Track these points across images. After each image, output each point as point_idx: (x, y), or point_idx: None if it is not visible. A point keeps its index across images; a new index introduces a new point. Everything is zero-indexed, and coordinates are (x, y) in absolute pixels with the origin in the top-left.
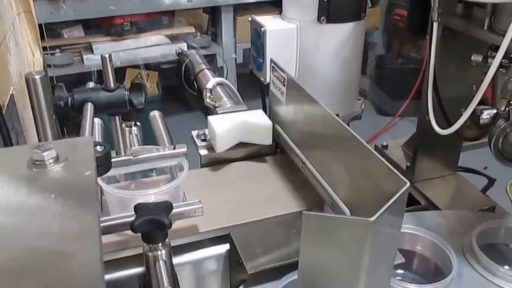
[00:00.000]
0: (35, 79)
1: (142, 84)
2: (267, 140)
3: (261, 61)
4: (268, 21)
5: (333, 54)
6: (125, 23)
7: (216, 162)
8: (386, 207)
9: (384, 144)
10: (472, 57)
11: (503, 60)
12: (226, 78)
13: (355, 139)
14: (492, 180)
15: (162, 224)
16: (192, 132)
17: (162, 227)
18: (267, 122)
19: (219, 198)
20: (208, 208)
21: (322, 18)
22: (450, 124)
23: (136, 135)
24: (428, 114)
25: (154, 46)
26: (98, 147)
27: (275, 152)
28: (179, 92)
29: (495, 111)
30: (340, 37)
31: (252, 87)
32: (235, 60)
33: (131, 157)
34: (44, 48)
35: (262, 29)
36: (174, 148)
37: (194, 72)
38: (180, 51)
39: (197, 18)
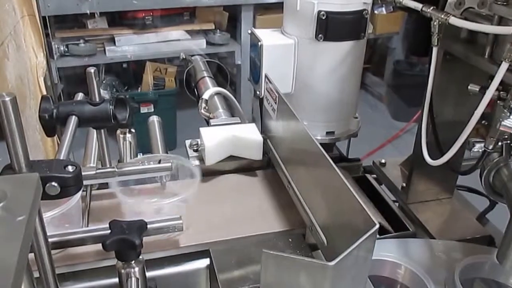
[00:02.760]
0: (5, 102)
1: (127, 99)
2: (257, 155)
3: (258, 74)
4: (266, 35)
5: (329, 72)
6: (147, 17)
7: (206, 174)
8: (350, 251)
9: (382, 161)
10: (469, 87)
11: (501, 93)
12: (240, 78)
13: (332, 169)
14: (493, 202)
15: (133, 244)
16: (186, 141)
17: (133, 247)
18: (258, 137)
19: (203, 211)
20: (191, 221)
21: (320, 35)
22: (443, 153)
23: (130, 142)
24: (421, 143)
25: (174, 41)
26: (69, 167)
27: (267, 166)
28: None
29: (463, 140)
30: (337, 55)
31: None
32: None
33: (115, 169)
34: (69, 38)
35: (259, 43)
36: (159, 163)
37: (195, 79)
38: (184, 57)
39: (217, 15)
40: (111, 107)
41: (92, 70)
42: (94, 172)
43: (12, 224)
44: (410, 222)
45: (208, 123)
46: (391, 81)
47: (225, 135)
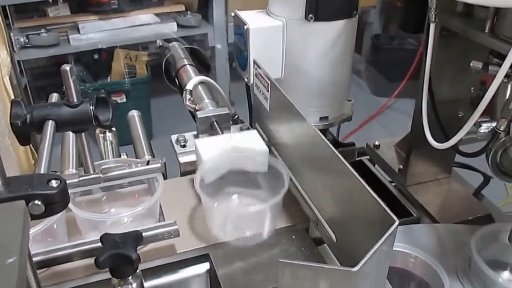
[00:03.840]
0: None
1: (109, 99)
2: (262, 167)
3: (245, 60)
4: (251, 18)
5: (322, 54)
6: (112, 1)
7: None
8: (372, 253)
9: (376, 143)
10: (471, 64)
11: (508, 70)
12: (215, 60)
13: (340, 162)
14: (487, 179)
15: (129, 259)
16: (172, 136)
17: (129, 262)
18: (262, 147)
19: (198, 212)
20: (186, 225)
21: (310, 15)
22: (445, 132)
23: (111, 141)
24: (423, 125)
25: (143, 25)
26: (53, 182)
27: None
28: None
29: (494, 124)
30: (329, 36)
31: None
32: (227, 39)
33: (100, 174)
34: (28, 28)
35: (245, 27)
36: (148, 164)
37: (175, 67)
38: (160, 44)
39: None
40: (91, 107)
41: (67, 67)
42: (76, 180)
43: (2, 270)
44: (412, 206)
45: (192, 115)
46: (369, 56)
47: (225, 147)
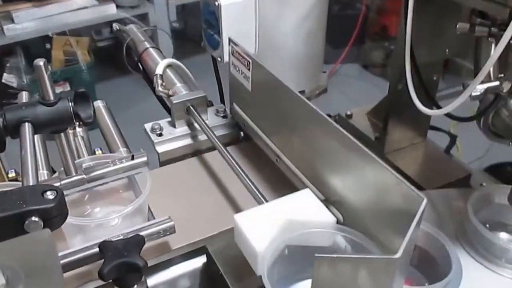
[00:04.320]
0: None
1: (88, 93)
2: (328, 242)
3: (216, 39)
4: None
5: (296, 26)
6: None
7: (176, 159)
8: (410, 236)
9: (348, 113)
10: (458, 26)
11: (492, 29)
12: (158, 39)
13: (344, 136)
14: (454, 139)
15: (137, 267)
16: (145, 125)
17: (136, 270)
18: (328, 217)
19: (187, 203)
20: (177, 219)
21: None
22: (430, 97)
23: (82, 137)
24: (408, 90)
25: (80, 9)
26: (48, 193)
27: (239, 140)
28: (112, 55)
29: (485, 86)
30: (303, 8)
31: (188, 47)
32: (169, 18)
33: (84, 175)
34: None
35: (217, 3)
36: (132, 158)
37: (137, 52)
38: (118, 28)
39: None
40: (70, 104)
41: (41, 62)
42: (58, 184)
43: None
44: None
45: (161, 101)
46: None
47: (278, 225)
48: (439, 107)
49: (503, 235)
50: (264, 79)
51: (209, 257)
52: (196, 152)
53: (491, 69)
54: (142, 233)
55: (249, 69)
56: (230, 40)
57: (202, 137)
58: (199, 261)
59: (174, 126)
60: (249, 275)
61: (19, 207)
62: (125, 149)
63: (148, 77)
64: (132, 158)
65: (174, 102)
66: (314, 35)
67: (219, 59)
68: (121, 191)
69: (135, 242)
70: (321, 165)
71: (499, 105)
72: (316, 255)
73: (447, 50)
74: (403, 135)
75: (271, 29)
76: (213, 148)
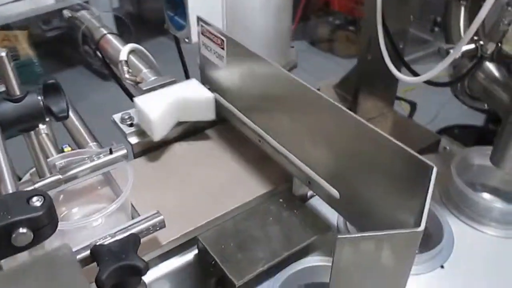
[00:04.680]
0: None
1: (59, 84)
2: (210, 115)
3: (182, 19)
4: None
5: (265, 1)
6: None
7: (151, 149)
8: (428, 206)
9: (317, 87)
10: None
11: None
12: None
13: (335, 107)
14: (414, 104)
15: (137, 270)
16: (114, 116)
17: (137, 273)
18: (207, 93)
19: (169, 195)
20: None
21: None
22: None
23: (47, 134)
24: (383, 58)
25: (16, 1)
26: (34, 200)
27: (215, 123)
28: (55, 46)
29: (461, 49)
30: None
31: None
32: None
33: (59, 176)
34: None
35: None
36: (111, 152)
37: (94, 39)
38: (69, 15)
39: None
40: (40, 98)
41: (3, 53)
42: (32, 187)
43: None
44: None
45: (126, 90)
46: None
47: (169, 100)
48: (416, 75)
49: (486, 195)
50: (240, 57)
51: (201, 247)
52: (171, 140)
53: (461, 32)
54: (132, 230)
55: (223, 48)
56: (199, 19)
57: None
58: (191, 253)
59: None
60: (245, 262)
61: (4, 219)
62: (94, 143)
63: (108, 65)
64: (111, 152)
65: (144, 89)
66: (283, 9)
67: (186, 40)
68: (99, 187)
69: (131, 242)
70: (311, 141)
71: (475, 68)
72: (339, 236)
73: (412, 17)
74: (373, 105)
75: (239, 6)
76: (189, 134)
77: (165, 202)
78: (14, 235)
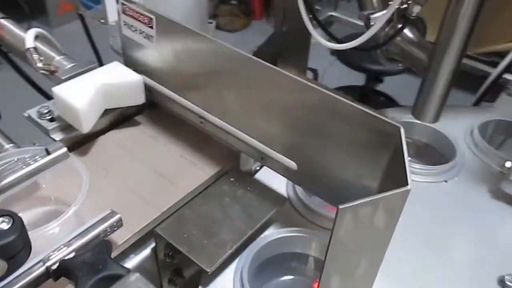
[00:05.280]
0: None
1: None
2: (140, 98)
3: None
4: None
5: None
6: None
7: (79, 143)
8: (407, 165)
9: None
10: None
11: None
12: None
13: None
14: (315, 71)
15: (119, 277)
16: (29, 112)
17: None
18: (134, 76)
19: (112, 191)
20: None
21: None
22: (325, 30)
23: None
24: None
25: None
26: (1, 220)
27: (143, 108)
28: None
29: (380, 13)
30: None
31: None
32: None
33: None
34: None
35: None
36: (48, 152)
37: None
38: None
39: None
40: None
41: None
42: None
43: None
44: None
45: (33, 83)
46: None
47: (93, 87)
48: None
49: None
50: (173, 34)
51: (160, 240)
52: (99, 131)
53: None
54: (89, 235)
55: (151, 27)
56: None
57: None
58: (148, 248)
59: None
60: (212, 247)
61: None
62: (11, 145)
63: (7, 55)
64: (48, 153)
65: (63, 77)
66: None
67: (101, 21)
68: (44, 185)
69: (103, 249)
70: (262, 115)
71: (392, 31)
72: (340, 206)
73: None
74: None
75: None
76: (117, 123)
77: (109, 199)
78: None
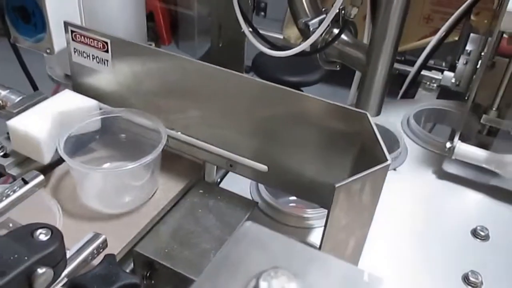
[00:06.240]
0: None
1: None
2: (97, 124)
3: (40, 28)
4: None
5: None
6: None
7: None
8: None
9: None
10: None
11: None
12: None
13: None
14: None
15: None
16: None
17: None
18: (89, 102)
19: (85, 219)
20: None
21: None
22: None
23: None
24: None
25: None
26: (38, 233)
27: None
28: None
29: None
30: None
31: None
32: None
33: None
34: None
35: None
36: (25, 182)
37: None
38: None
39: None
40: None
41: None
42: None
43: None
44: None
45: None
46: None
47: (49, 116)
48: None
49: None
50: (130, 56)
51: (140, 259)
52: (57, 161)
53: (305, 6)
54: (79, 259)
55: (106, 51)
56: (68, 25)
57: None
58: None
59: None
60: (196, 257)
61: (18, 262)
62: None
63: None
64: (25, 182)
65: (15, 111)
66: (140, 4)
67: (47, 51)
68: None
69: (112, 261)
70: (226, 123)
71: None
72: (336, 185)
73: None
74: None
75: (98, 5)
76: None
77: (83, 226)
78: (34, 277)
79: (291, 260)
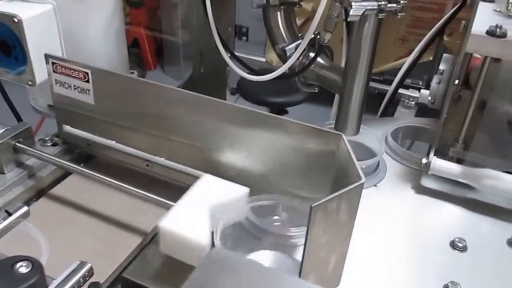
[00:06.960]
0: None
1: None
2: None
3: (21, 60)
4: (14, 8)
5: (105, 28)
6: None
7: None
8: (358, 165)
9: None
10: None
11: None
12: None
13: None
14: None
15: None
16: None
17: None
18: (243, 190)
19: (73, 247)
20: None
21: None
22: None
23: None
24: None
25: None
26: (18, 266)
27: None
28: None
29: (293, 44)
30: (108, 8)
31: None
32: None
33: None
34: None
35: (15, 19)
36: (9, 214)
37: None
38: None
39: None
40: None
41: None
42: None
43: None
44: None
45: None
46: None
47: (205, 216)
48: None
49: None
50: (111, 85)
51: (129, 284)
52: (43, 190)
53: (282, 32)
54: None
55: (87, 81)
56: (49, 57)
57: (41, 173)
58: None
59: (3, 173)
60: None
61: None
62: None
63: None
64: (9, 214)
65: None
66: (121, 33)
67: (29, 83)
68: None
69: None
70: (213, 147)
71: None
72: (312, 205)
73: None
74: None
75: (80, 36)
76: (61, 178)
77: (70, 255)
78: None
79: (259, 285)
